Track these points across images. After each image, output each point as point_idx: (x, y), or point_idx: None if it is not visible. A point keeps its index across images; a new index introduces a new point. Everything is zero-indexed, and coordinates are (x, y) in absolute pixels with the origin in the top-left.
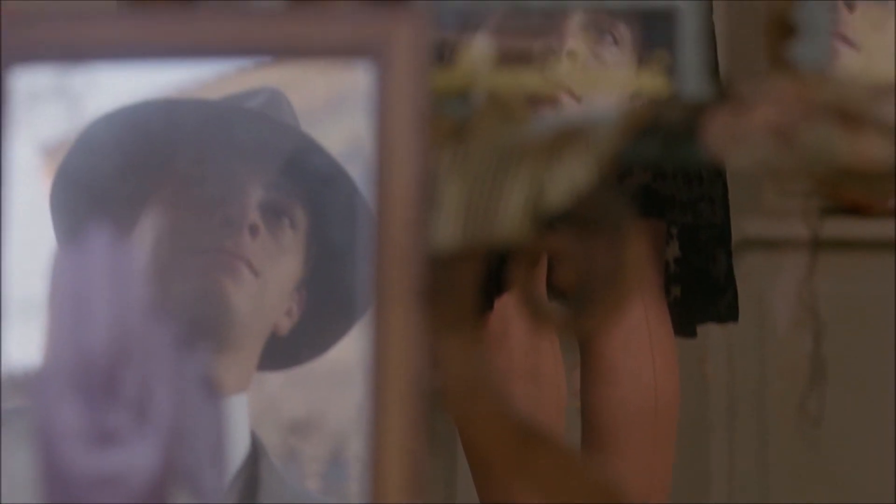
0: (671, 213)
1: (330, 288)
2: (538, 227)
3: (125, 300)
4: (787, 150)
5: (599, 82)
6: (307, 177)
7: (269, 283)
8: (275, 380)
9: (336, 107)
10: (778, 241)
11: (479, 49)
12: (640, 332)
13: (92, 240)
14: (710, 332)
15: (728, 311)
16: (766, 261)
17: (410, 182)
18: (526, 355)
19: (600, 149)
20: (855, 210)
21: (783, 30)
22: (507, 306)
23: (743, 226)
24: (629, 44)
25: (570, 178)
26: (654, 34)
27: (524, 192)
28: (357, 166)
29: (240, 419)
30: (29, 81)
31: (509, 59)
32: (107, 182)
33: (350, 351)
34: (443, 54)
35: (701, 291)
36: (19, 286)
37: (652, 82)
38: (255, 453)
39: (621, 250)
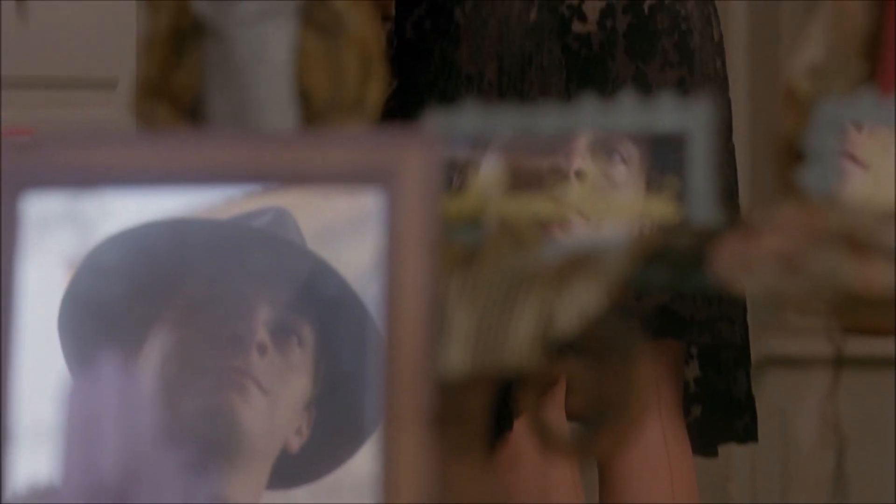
0: (690, 333)
1: (339, 407)
2: (548, 353)
3: (135, 425)
4: (794, 277)
5: (609, 205)
6: (315, 296)
7: (278, 401)
8: (283, 497)
9: (351, 229)
10: (801, 359)
11: (489, 175)
12: (657, 453)
13: (101, 364)
14: (734, 450)
15: (747, 432)
16: (789, 378)
17: (420, 308)
18: (537, 480)
19: (609, 275)
20: (871, 332)
21: (792, 156)
22: (519, 431)
23: (765, 343)
24: (638, 163)
25: (579, 304)
26: (664, 157)
27: (533, 318)
28: (368, 289)
29: None
30: (41, 206)
31: (517, 179)
32: (113, 304)
33: (360, 468)
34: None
35: (721, 412)
36: (31, 410)
37: (661, 208)
38: None
39: (631, 376)
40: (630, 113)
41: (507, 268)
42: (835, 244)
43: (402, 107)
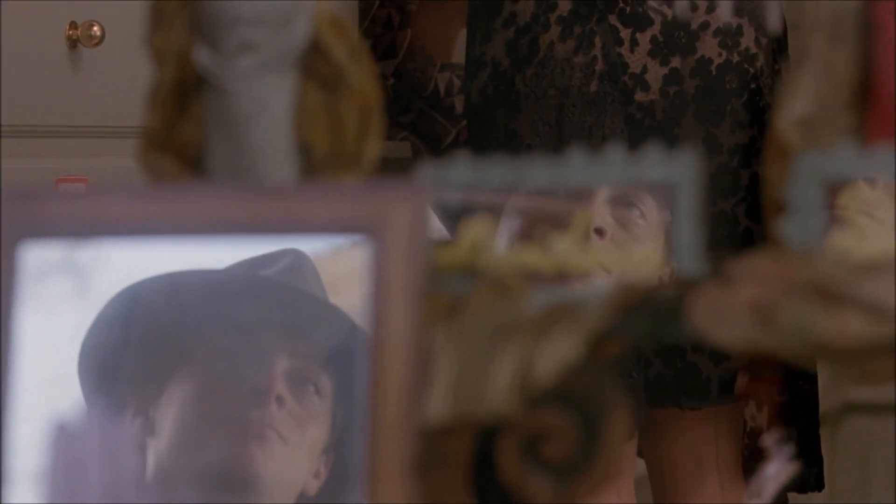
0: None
1: (356, 449)
2: (527, 401)
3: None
4: (767, 328)
5: (628, 259)
6: (331, 344)
7: (296, 449)
8: None
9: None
10: (880, 406)
11: (480, 226)
12: None
13: (90, 416)
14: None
15: (816, 481)
16: (869, 425)
17: (406, 356)
18: None
19: (588, 326)
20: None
21: (780, 208)
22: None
23: (845, 391)
24: (657, 216)
25: (558, 355)
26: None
27: (513, 367)
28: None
29: None
30: (38, 256)
31: (537, 233)
32: (130, 353)
33: None
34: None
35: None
36: (24, 457)
37: (646, 261)
38: None
39: (608, 427)
40: (617, 166)
41: (491, 318)
42: (807, 296)
43: None
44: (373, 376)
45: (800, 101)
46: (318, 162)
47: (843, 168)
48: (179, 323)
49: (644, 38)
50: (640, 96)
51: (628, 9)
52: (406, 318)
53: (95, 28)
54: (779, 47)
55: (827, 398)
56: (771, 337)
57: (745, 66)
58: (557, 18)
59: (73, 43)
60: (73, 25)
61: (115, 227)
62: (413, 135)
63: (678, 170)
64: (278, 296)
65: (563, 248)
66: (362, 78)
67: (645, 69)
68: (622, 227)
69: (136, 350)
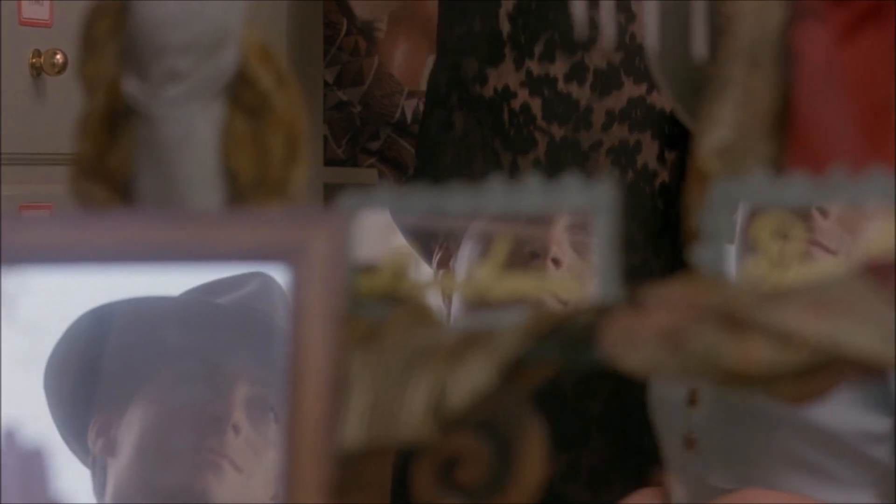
0: None
1: None
2: (441, 426)
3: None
4: (675, 354)
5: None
6: None
7: (252, 476)
8: None
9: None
10: None
11: (400, 252)
12: None
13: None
14: None
15: None
16: None
17: (324, 381)
18: None
19: (502, 352)
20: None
21: (695, 234)
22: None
23: None
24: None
25: (471, 381)
26: None
27: (427, 392)
28: None
29: None
30: None
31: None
32: (88, 377)
33: None
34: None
35: None
36: None
37: (566, 286)
38: None
39: (522, 452)
40: (537, 194)
41: (407, 343)
42: (715, 322)
43: None
44: (290, 400)
45: (720, 128)
46: (244, 188)
47: (756, 195)
48: (142, 346)
49: (525, 162)
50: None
51: (512, 131)
52: (324, 344)
53: (59, 56)
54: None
55: None
56: (679, 362)
57: (642, 184)
58: (452, 140)
59: (37, 71)
60: (37, 53)
61: (39, 254)
62: (380, 162)
63: (596, 197)
64: (239, 322)
65: (481, 276)
66: (288, 105)
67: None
68: (580, 254)
69: (99, 371)
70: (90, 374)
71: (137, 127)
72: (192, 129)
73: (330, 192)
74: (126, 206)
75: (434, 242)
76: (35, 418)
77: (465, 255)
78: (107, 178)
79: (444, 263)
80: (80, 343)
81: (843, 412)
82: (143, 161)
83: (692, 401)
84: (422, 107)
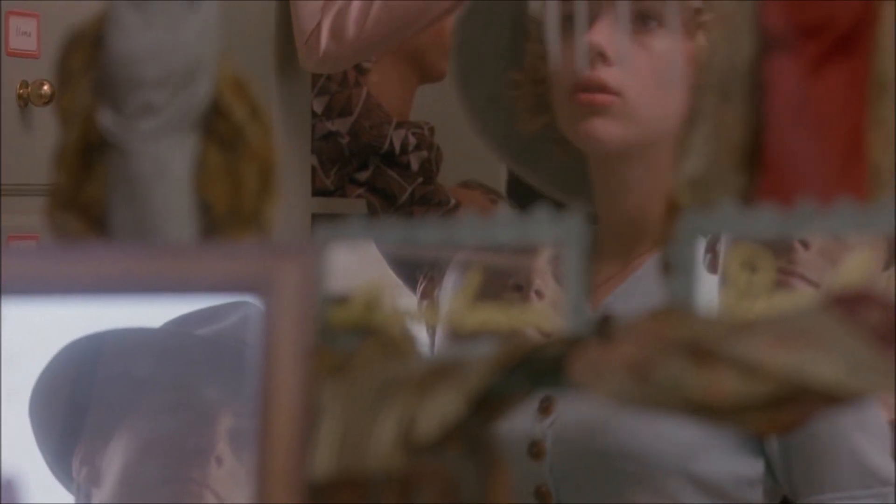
0: None
1: None
2: (410, 456)
3: None
4: (642, 385)
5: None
6: None
7: None
8: None
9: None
10: None
11: (373, 284)
12: None
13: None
14: None
15: None
16: None
17: (294, 412)
18: None
19: (470, 383)
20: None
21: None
22: None
23: None
24: None
25: (440, 412)
26: None
27: (396, 423)
28: None
29: None
30: None
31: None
32: (72, 406)
33: None
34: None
35: None
36: None
37: (541, 317)
38: None
39: (489, 484)
40: (507, 227)
41: (377, 374)
42: (681, 353)
43: None
44: (261, 431)
45: (691, 160)
46: (218, 220)
47: (724, 226)
48: (126, 377)
49: None
50: None
51: None
52: (294, 375)
53: (46, 87)
54: None
55: None
56: (646, 394)
57: None
58: None
59: (24, 101)
60: (24, 84)
61: (14, 286)
62: (369, 192)
63: (565, 230)
64: (221, 354)
65: (453, 308)
66: (262, 138)
67: None
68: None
69: (84, 400)
70: (75, 403)
71: (112, 159)
72: (167, 162)
73: (318, 223)
74: (101, 238)
75: (419, 272)
76: (12, 448)
77: (448, 286)
78: (82, 209)
79: (428, 294)
80: (65, 372)
81: (716, 458)
82: (117, 193)
83: (536, 453)
84: (410, 137)
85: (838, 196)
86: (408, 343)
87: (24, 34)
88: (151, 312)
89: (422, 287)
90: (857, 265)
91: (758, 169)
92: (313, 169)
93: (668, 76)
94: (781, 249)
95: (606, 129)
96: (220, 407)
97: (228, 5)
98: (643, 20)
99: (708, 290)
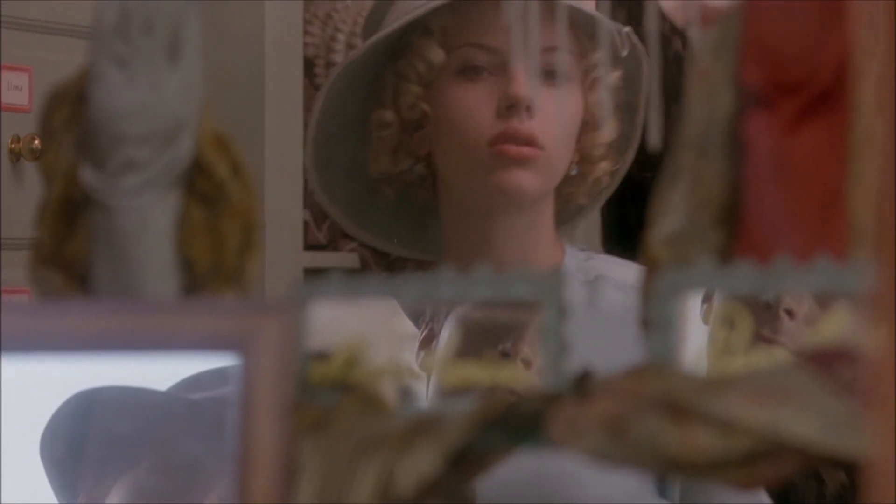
0: None
1: None
2: None
3: None
4: (618, 441)
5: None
6: None
7: None
8: None
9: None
10: None
11: (354, 341)
12: None
13: None
14: None
15: None
16: None
17: (272, 470)
18: None
19: (449, 440)
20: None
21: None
22: None
23: None
24: None
25: (418, 469)
26: None
27: (374, 479)
28: None
29: None
30: None
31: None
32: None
33: None
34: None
35: None
36: None
37: (517, 377)
38: None
39: None
40: (484, 283)
41: (356, 430)
42: (658, 410)
43: None
44: (240, 487)
45: (669, 217)
46: (200, 277)
47: (701, 283)
48: (130, 433)
49: None
50: None
51: None
52: (273, 432)
53: (37, 142)
54: None
55: None
56: (622, 450)
57: None
58: None
59: (16, 156)
60: (16, 139)
61: None
62: (361, 246)
63: (541, 288)
64: (214, 420)
65: (436, 362)
66: (244, 195)
67: None
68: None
69: (89, 449)
70: (79, 451)
71: (94, 216)
72: (149, 219)
73: (311, 277)
74: (83, 294)
75: (422, 321)
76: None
77: (443, 338)
78: (64, 266)
79: (427, 344)
80: (71, 420)
81: (633, 499)
82: (99, 249)
83: None
84: None
85: (817, 253)
86: (385, 399)
87: (15, 88)
88: (132, 370)
89: (422, 336)
90: (834, 323)
91: (736, 226)
92: (305, 223)
93: (572, 129)
94: (766, 318)
95: (529, 181)
96: (213, 476)
97: (218, 59)
98: (550, 74)
99: (697, 343)
